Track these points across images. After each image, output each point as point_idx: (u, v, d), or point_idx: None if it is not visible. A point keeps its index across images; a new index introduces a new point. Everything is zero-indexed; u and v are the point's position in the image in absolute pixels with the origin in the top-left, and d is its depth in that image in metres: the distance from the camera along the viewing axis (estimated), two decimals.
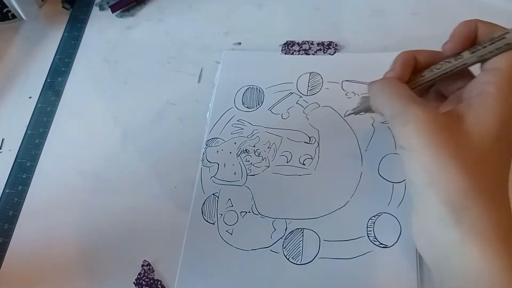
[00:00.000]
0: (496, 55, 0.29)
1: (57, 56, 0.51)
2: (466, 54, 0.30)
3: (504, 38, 0.29)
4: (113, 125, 0.45)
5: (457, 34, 0.30)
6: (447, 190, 0.26)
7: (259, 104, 0.43)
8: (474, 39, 0.30)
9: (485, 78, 0.29)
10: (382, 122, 0.39)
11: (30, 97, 0.49)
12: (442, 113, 0.29)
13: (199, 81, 0.46)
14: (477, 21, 0.30)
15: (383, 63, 0.43)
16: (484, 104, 0.27)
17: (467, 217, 0.25)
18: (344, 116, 0.40)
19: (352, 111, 0.37)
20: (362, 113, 0.36)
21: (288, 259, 0.35)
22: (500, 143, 0.27)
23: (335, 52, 0.45)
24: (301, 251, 0.36)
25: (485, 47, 0.29)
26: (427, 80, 0.32)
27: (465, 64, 0.31)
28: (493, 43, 0.29)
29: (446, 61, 0.31)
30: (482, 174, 0.26)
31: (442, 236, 0.27)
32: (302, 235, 0.36)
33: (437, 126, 0.27)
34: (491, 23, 0.30)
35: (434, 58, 0.32)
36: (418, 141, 0.27)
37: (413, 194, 0.29)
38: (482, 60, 0.30)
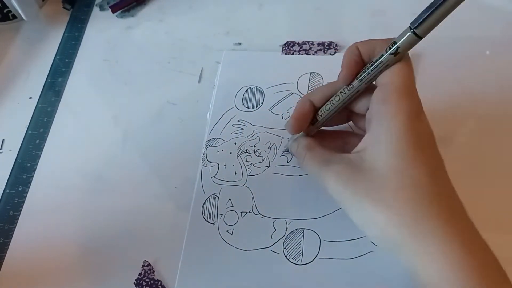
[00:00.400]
0: (382, 71, 0.29)
1: (58, 56, 0.51)
2: (355, 83, 0.31)
3: (381, 61, 0.29)
4: (113, 125, 0.45)
5: (345, 62, 0.31)
6: (378, 228, 0.28)
7: (259, 104, 0.43)
8: (361, 62, 0.30)
9: (376, 95, 0.29)
10: None
11: (30, 97, 0.49)
12: (351, 157, 0.30)
13: (199, 81, 0.46)
14: (356, 44, 0.31)
15: None
16: (378, 127, 0.28)
17: (407, 246, 0.27)
18: (281, 154, 0.40)
19: (285, 152, 0.40)
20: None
21: (288, 259, 0.35)
22: (405, 172, 0.27)
23: (335, 52, 0.45)
24: (301, 251, 0.36)
25: (366, 71, 0.30)
26: (329, 115, 0.33)
27: (358, 91, 0.31)
28: (372, 66, 0.29)
29: (341, 92, 0.32)
30: (398, 202, 0.27)
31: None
32: (303, 235, 0.36)
33: (347, 175, 0.29)
34: (369, 41, 0.31)
35: (329, 92, 0.33)
36: (339, 194, 0.29)
37: None
38: (374, 79, 0.30)
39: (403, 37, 0.28)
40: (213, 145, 0.42)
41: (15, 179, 0.43)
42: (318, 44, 0.45)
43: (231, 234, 0.37)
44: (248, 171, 0.40)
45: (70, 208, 0.41)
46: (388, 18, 0.46)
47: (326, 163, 0.31)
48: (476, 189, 0.36)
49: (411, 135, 0.27)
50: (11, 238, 0.40)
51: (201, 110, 0.44)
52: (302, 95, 0.43)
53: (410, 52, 0.42)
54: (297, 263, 0.35)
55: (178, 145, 0.43)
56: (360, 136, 0.31)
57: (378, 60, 0.29)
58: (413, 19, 0.27)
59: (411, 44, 0.28)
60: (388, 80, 0.29)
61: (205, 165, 0.41)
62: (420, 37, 0.27)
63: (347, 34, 0.46)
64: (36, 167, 0.44)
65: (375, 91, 0.29)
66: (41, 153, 0.45)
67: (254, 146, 0.41)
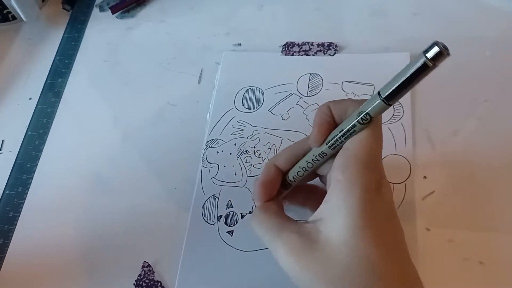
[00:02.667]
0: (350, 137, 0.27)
1: (58, 57, 0.51)
2: (326, 149, 0.28)
3: (353, 130, 0.27)
4: (113, 126, 0.45)
5: (317, 123, 0.28)
6: None
7: (259, 105, 0.43)
8: (333, 123, 0.28)
9: (336, 162, 0.27)
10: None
11: (30, 98, 0.49)
12: (306, 226, 0.27)
13: (199, 82, 0.46)
14: (328, 104, 0.29)
15: (383, 63, 0.43)
16: (335, 197, 0.26)
17: None
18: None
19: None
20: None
21: None
22: (361, 251, 0.25)
23: (335, 53, 0.45)
24: None
25: (337, 138, 0.27)
26: (300, 179, 0.31)
27: (328, 156, 0.29)
28: (343, 133, 0.27)
29: (313, 160, 0.29)
30: (349, 283, 0.25)
31: None
32: None
33: (299, 248, 0.26)
34: (341, 101, 0.29)
35: (294, 154, 0.31)
36: (290, 268, 0.27)
37: None
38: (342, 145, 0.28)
39: (372, 105, 0.26)
40: (213, 146, 0.42)
41: (14, 180, 0.43)
42: (318, 45, 0.45)
43: (231, 235, 0.37)
44: (248, 172, 0.40)
45: (70, 209, 0.41)
46: (388, 19, 0.46)
47: (277, 230, 0.28)
48: (476, 189, 0.36)
49: (368, 211, 0.25)
50: (11, 239, 0.40)
51: (201, 110, 0.44)
52: (302, 96, 0.43)
53: (410, 52, 0.43)
54: None
55: (178, 146, 0.43)
56: (321, 193, 0.29)
57: (348, 128, 0.27)
58: (383, 86, 0.25)
59: (380, 111, 0.26)
60: (350, 147, 0.27)
61: (205, 166, 0.41)
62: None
63: (347, 34, 0.46)
64: (36, 168, 0.44)
65: (337, 156, 0.27)
66: (41, 154, 0.45)
67: (254, 147, 0.41)
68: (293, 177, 0.31)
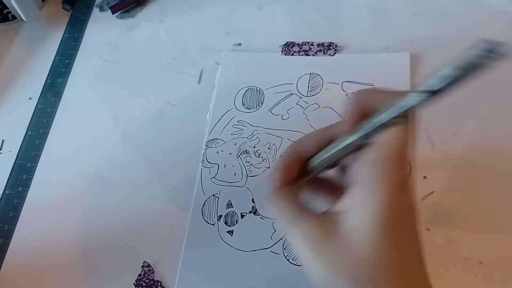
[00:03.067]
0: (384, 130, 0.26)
1: (57, 57, 0.51)
2: (356, 139, 0.27)
3: (392, 122, 0.25)
4: (113, 126, 0.45)
5: (351, 112, 0.27)
6: None
7: (259, 105, 0.43)
8: (366, 112, 0.27)
9: (367, 157, 0.26)
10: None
11: (30, 98, 0.49)
12: (325, 216, 0.27)
13: (199, 82, 0.46)
14: (363, 92, 0.28)
15: (383, 63, 0.43)
16: (362, 193, 0.26)
17: None
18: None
19: None
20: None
21: (288, 260, 0.35)
22: (383, 251, 0.25)
23: (335, 53, 0.45)
24: None
25: (372, 128, 0.26)
26: (318, 171, 0.30)
27: (356, 147, 0.27)
28: (381, 127, 0.26)
29: (342, 148, 0.28)
30: (367, 279, 0.25)
31: None
32: None
33: (317, 239, 0.26)
34: (376, 91, 0.27)
35: (321, 142, 0.29)
36: (305, 257, 0.26)
37: None
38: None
39: (416, 99, 0.25)
40: (213, 146, 0.42)
41: (14, 180, 0.43)
42: (318, 45, 0.45)
43: (231, 235, 0.37)
44: (248, 172, 0.40)
45: (70, 209, 0.41)
46: (388, 19, 0.46)
47: (294, 216, 0.28)
48: (476, 189, 0.36)
49: (395, 211, 0.25)
50: (11, 239, 0.40)
51: (201, 110, 0.44)
52: (302, 96, 0.43)
53: (410, 52, 0.43)
54: (297, 264, 0.35)
55: (178, 146, 0.43)
56: (337, 186, 0.29)
57: (388, 121, 0.25)
58: (428, 79, 0.24)
59: (422, 106, 0.25)
60: (385, 142, 0.26)
61: (205, 165, 0.41)
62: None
63: (347, 34, 0.46)
64: (36, 168, 0.44)
65: (368, 150, 0.26)
66: (40, 153, 0.45)
67: (254, 147, 0.41)
68: (315, 165, 0.30)
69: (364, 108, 0.27)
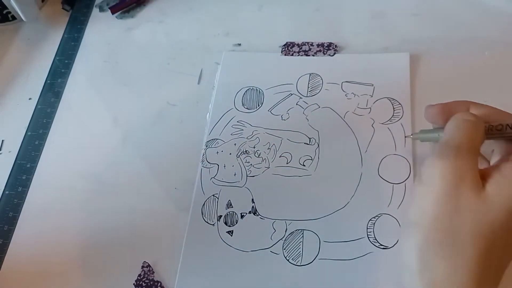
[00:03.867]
0: None
1: (57, 58, 0.51)
2: None
3: None
4: (113, 126, 0.45)
5: None
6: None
7: (259, 105, 0.43)
8: None
9: None
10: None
11: (30, 99, 0.49)
12: (477, 170, 0.28)
13: (199, 82, 0.46)
14: None
15: (383, 64, 0.43)
16: (507, 177, 0.27)
17: None
18: (405, 137, 0.38)
19: (412, 136, 0.36)
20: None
21: (288, 260, 0.35)
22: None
23: (334, 53, 0.45)
24: (301, 252, 0.35)
25: None
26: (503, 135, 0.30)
27: None
28: None
29: None
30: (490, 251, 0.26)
31: None
32: (302, 236, 0.36)
33: (462, 179, 0.27)
34: None
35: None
36: (436, 186, 0.27)
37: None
38: None
39: None
40: (212, 146, 0.42)
41: (14, 180, 0.43)
42: (318, 45, 0.45)
43: (231, 235, 0.37)
44: (248, 172, 0.40)
45: (70, 209, 0.41)
46: (388, 19, 0.46)
47: (475, 150, 0.28)
48: None
49: None
50: (11, 239, 0.40)
51: (200, 111, 0.44)
52: (301, 96, 0.43)
53: (410, 52, 0.43)
54: (297, 264, 0.35)
55: (177, 146, 0.43)
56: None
57: None
58: None
59: None
60: None
61: (204, 166, 0.41)
62: None
63: (346, 35, 0.46)
64: (35, 168, 0.44)
65: None
66: (40, 154, 0.45)
67: (254, 147, 0.41)
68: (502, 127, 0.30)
69: None
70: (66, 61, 0.51)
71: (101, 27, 0.53)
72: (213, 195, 0.39)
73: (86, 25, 0.53)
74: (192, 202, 0.39)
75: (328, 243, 0.35)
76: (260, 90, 0.44)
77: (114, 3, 0.53)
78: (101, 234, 0.39)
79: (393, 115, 0.40)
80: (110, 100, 0.47)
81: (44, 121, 0.47)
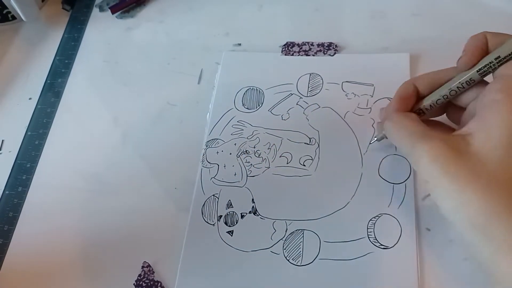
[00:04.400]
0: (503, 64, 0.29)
1: (57, 57, 0.51)
2: (476, 76, 0.30)
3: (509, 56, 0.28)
4: (113, 126, 0.45)
5: (470, 47, 0.30)
6: (470, 214, 0.26)
7: (259, 105, 0.43)
8: (486, 51, 0.30)
9: (494, 86, 0.28)
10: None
11: (30, 98, 0.49)
12: (452, 137, 0.28)
13: (199, 82, 0.46)
14: (485, 33, 0.30)
15: (383, 64, 0.43)
16: (492, 116, 0.27)
17: (495, 237, 0.25)
18: (369, 144, 0.39)
19: (375, 139, 0.38)
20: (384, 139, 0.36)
21: (288, 260, 0.35)
22: (508, 166, 0.26)
23: (335, 53, 0.45)
24: (301, 252, 0.35)
25: (490, 64, 0.29)
26: (432, 111, 0.32)
27: (472, 85, 0.30)
28: (501, 61, 0.29)
29: (459, 85, 0.31)
30: (499, 192, 0.26)
31: (478, 257, 0.27)
32: (303, 236, 0.36)
33: (446, 156, 0.27)
34: (499, 34, 0.30)
35: (436, 80, 0.32)
36: (432, 175, 0.28)
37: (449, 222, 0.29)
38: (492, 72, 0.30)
39: None
40: (213, 146, 0.42)
41: (14, 180, 0.43)
42: (318, 45, 0.45)
43: (231, 235, 0.37)
44: (248, 172, 0.40)
45: (70, 209, 0.41)
46: (388, 19, 0.46)
47: (421, 135, 0.29)
48: None
49: None
50: (11, 239, 0.40)
51: (200, 111, 0.44)
52: (302, 96, 0.43)
53: (410, 52, 0.43)
54: (297, 264, 0.35)
55: (178, 146, 0.43)
56: (446, 129, 0.31)
57: (508, 54, 0.28)
58: None
59: None
60: (509, 73, 0.28)
61: (205, 166, 0.41)
62: None
63: (346, 35, 0.46)
64: (35, 168, 0.44)
65: (491, 82, 0.29)
66: (40, 154, 0.45)
67: (254, 147, 0.41)
68: (430, 104, 0.31)
69: (484, 46, 0.30)
70: (66, 61, 0.51)
71: (101, 27, 0.53)
72: (213, 195, 0.39)
73: (86, 25, 0.53)
74: (192, 202, 0.39)
75: (329, 243, 0.35)
76: (260, 90, 0.44)
77: (114, 3, 0.53)
78: (101, 234, 0.39)
79: None
80: (110, 100, 0.47)
81: (44, 121, 0.47)
